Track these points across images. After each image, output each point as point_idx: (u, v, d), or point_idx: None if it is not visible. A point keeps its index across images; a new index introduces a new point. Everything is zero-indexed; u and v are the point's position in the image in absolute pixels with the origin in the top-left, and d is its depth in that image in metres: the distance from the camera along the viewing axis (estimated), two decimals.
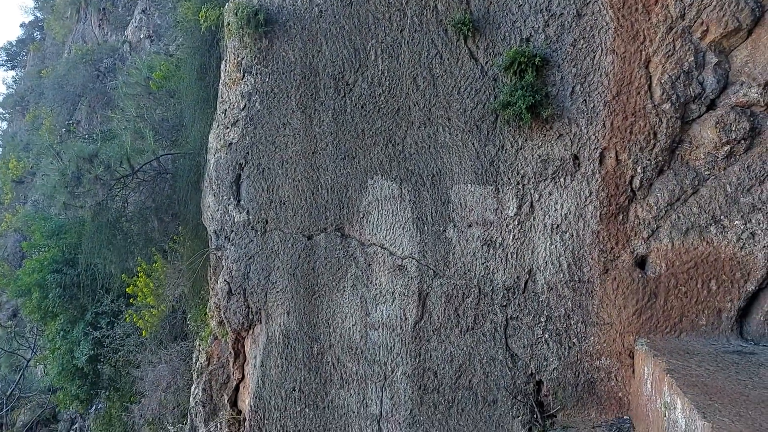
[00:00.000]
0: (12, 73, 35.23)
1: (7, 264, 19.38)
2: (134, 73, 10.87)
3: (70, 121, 21.01)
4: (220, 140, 7.65)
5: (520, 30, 6.17)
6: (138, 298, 10.18)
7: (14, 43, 35.17)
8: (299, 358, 7.24)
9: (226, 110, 7.60)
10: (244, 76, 7.43)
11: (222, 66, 7.78)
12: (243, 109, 7.41)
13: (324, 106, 6.99)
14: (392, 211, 6.69)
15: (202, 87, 8.37)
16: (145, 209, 9.77)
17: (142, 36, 19.98)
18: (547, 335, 6.16)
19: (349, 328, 6.95)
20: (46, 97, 23.88)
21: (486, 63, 6.33)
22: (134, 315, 10.41)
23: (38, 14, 32.85)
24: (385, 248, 6.72)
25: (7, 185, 24.95)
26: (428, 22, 6.47)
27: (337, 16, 6.91)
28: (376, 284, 6.79)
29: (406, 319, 6.66)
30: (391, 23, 6.64)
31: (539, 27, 6.08)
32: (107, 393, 12.09)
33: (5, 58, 35.69)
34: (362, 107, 6.80)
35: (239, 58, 7.46)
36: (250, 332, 7.80)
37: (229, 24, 7.54)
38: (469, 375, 6.47)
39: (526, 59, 5.90)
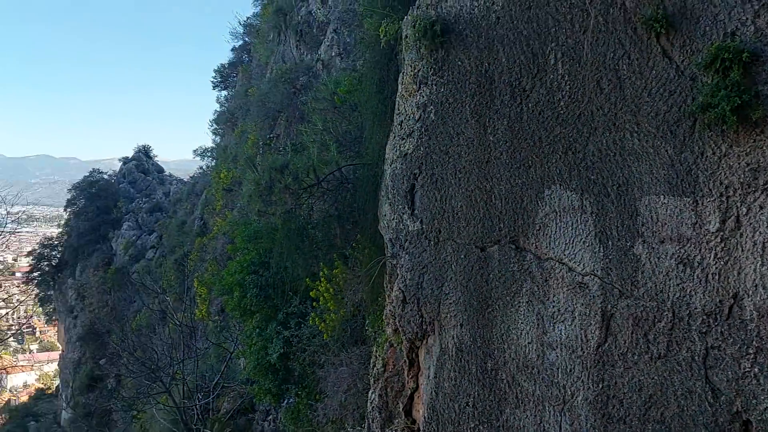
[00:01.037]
0: (224, 92, 39.56)
1: (217, 264, 21.73)
2: (322, 89, 11.55)
3: (271, 135, 22.96)
4: (396, 151, 7.77)
5: (724, 23, 5.40)
6: (320, 302, 10.74)
7: (226, 66, 39.42)
8: (473, 372, 7.07)
9: (402, 122, 7.70)
10: (419, 87, 7.47)
11: (399, 78, 7.90)
12: (418, 120, 7.44)
13: (499, 114, 6.76)
14: (572, 224, 6.25)
15: (381, 100, 8.59)
16: (329, 217, 10.30)
17: (333, 54, 21.22)
18: (756, 369, 5.29)
19: (525, 345, 6.62)
20: (251, 113, 26.36)
21: (682, 62, 5.64)
22: (317, 318, 11.00)
23: (246, 39, 36.49)
24: (564, 263, 6.29)
25: (219, 193, 27.94)
26: (614, 21, 5.94)
27: (515, 22, 6.65)
28: (553, 301, 6.38)
29: (587, 340, 6.16)
30: (573, 24, 6.22)
31: (747, 19, 5.27)
32: (296, 389, 12.87)
33: (219, 79, 40.17)
34: (540, 114, 6.45)
35: (416, 70, 7.52)
36: (424, 342, 7.79)
37: (406, 37, 7.64)
38: (661, 407, 5.79)
39: (731, 55, 5.15)
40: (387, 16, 8.30)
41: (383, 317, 8.78)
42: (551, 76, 6.38)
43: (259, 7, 32.84)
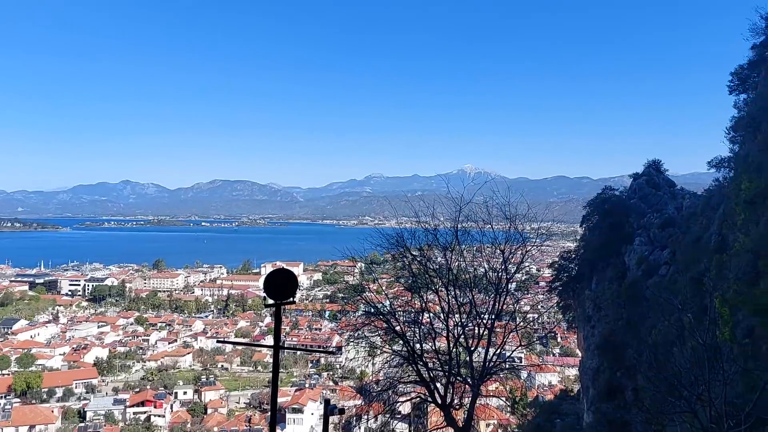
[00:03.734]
0: (743, 96, 35.97)
1: (742, 282, 19.99)
2: None
3: None
4: None
5: None
6: None
7: (746, 67, 35.84)
8: None
9: None
10: None
11: None
12: None
13: None
14: None
15: None
16: None
17: None
18: None
19: None
20: None
21: None
22: None
23: None
24: None
25: (739, 206, 25.67)
26: None
27: None
28: None
29: None
30: None
31: None
32: None
33: (737, 82, 36.79)
34: None
35: None
36: None
37: None
38: None
39: None
40: None
41: None
42: None
43: None
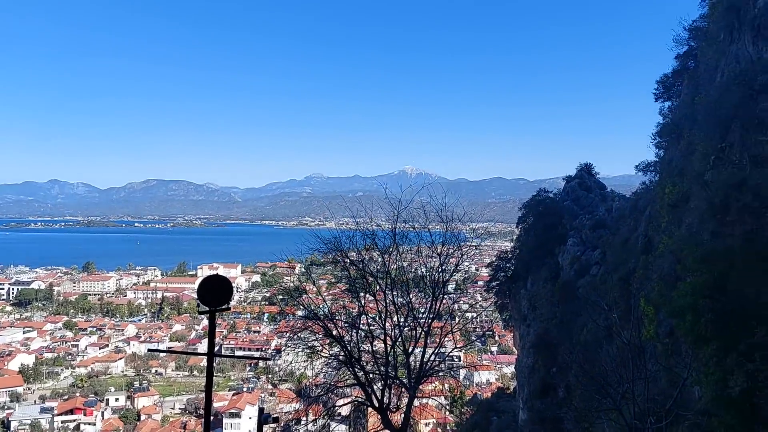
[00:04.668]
0: (668, 103, 37.77)
1: (665, 284, 20.91)
2: None
3: (722, 145, 21.02)
4: None
5: None
6: None
7: (670, 75, 37.61)
8: None
9: None
10: None
11: None
12: None
13: None
14: None
15: None
16: None
17: None
18: None
19: None
20: (698, 123, 24.64)
21: None
22: None
23: (692, 44, 34.21)
24: None
25: (664, 209, 26.87)
26: None
27: None
28: None
29: None
30: None
31: None
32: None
33: (662, 90, 38.57)
34: None
35: None
36: None
37: None
38: None
39: None
40: None
41: None
42: None
43: (706, 7, 30.50)
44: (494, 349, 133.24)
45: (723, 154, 19.37)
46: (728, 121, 20.27)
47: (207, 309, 8.24)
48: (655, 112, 38.15)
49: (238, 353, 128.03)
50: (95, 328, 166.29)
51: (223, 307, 8.33)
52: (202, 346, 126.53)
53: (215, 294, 8.28)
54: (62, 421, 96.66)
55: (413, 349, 23.45)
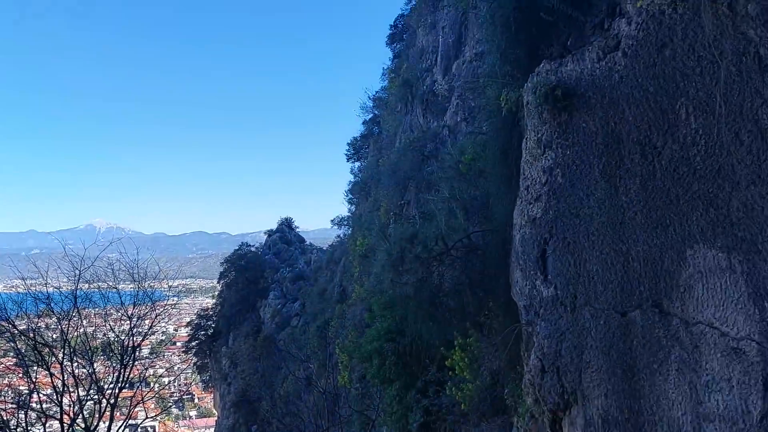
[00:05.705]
0: (357, 164, 41.52)
1: (357, 331, 22.27)
2: (447, 158, 11.84)
3: (402, 202, 23.62)
4: (525, 216, 7.76)
5: None
6: (456, 371, 10.65)
7: (358, 139, 41.50)
8: None
9: (528, 186, 7.71)
10: (544, 151, 7.49)
11: (523, 144, 7.97)
12: (545, 183, 7.42)
13: (630, 173, 6.57)
14: (720, 285, 5.82)
15: (506, 166, 8.67)
16: (460, 284, 10.33)
17: (458, 119, 21.69)
18: None
19: (678, 417, 6.14)
20: (382, 182, 27.35)
21: None
22: (453, 387, 10.90)
23: (376, 112, 38.30)
24: (715, 328, 5.84)
25: (356, 260, 28.92)
26: (749, 71, 5.64)
27: (639, 79, 6.53)
28: (706, 369, 5.91)
29: (749, 412, 5.60)
30: (703, 77, 5.99)
31: None
32: None
33: (352, 151, 42.29)
34: (674, 171, 6.19)
35: (539, 135, 7.56)
36: (567, 413, 7.47)
37: (528, 103, 7.75)
38: None
39: None
40: (507, 85, 8.48)
41: (522, 386, 8.56)
42: (684, 131, 6.14)
43: (387, 81, 34.48)
44: (194, 413, 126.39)
45: (401, 210, 21.78)
46: (405, 181, 22.93)
47: None
48: (348, 171, 41.52)
49: None
50: None
51: None
52: None
53: None
54: None
55: (97, 424, 20.64)
